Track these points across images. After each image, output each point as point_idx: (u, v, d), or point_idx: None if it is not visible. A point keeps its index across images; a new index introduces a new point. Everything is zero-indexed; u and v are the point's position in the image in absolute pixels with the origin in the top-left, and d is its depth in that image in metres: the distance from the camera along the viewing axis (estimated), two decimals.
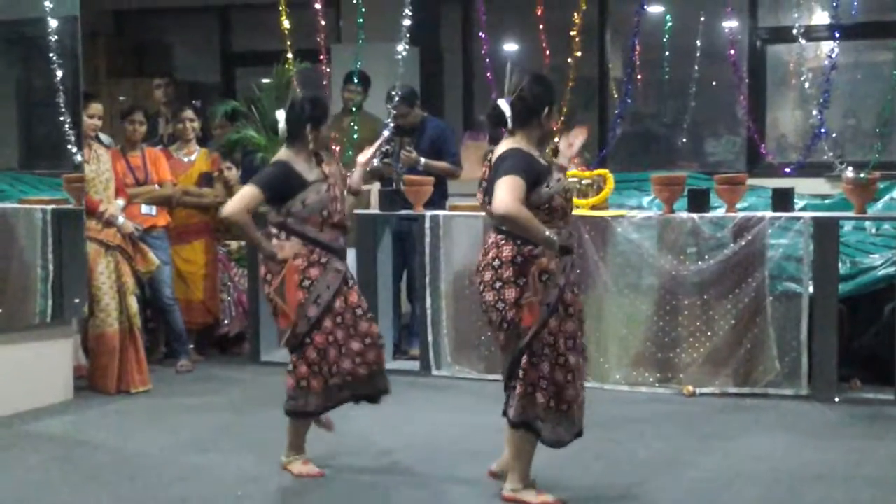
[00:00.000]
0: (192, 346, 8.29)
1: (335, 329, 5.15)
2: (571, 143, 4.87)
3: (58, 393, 6.88)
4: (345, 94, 8.45)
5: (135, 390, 7.12)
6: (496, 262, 4.60)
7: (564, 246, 4.58)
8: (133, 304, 7.21)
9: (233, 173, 8.49)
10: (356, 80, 8.35)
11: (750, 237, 6.82)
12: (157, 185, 7.84)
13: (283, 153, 5.25)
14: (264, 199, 5.17)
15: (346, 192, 5.36)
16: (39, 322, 6.90)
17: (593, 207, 7.28)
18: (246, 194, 5.14)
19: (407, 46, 8.02)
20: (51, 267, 6.91)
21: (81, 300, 7.00)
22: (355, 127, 8.15)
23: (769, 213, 6.95)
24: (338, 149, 7.82)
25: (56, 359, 6.92)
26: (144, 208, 7.72)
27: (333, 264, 5.18)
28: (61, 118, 6.88)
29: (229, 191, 8.47)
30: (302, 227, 5.15)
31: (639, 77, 8.85)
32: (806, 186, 7.90)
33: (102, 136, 7.88)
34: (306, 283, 5.12)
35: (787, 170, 8.19)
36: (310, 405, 5.20)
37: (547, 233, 4.48)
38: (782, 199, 7.01)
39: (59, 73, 6.87)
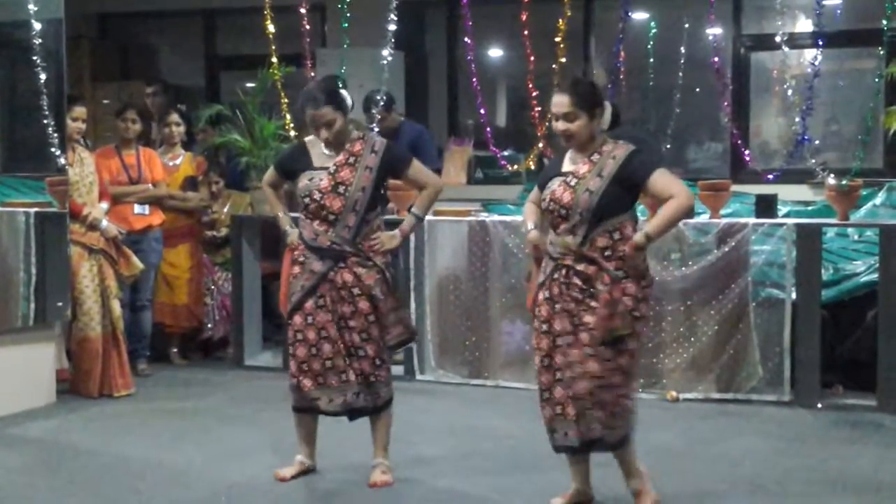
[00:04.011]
0: (175, 349, 8.29)
1: (306, 329, 5.09)
2: None
3: (40, 396, 6.85)
4: None
5: (118, 394, 7.10)
6: None
7: (534, 243, 4.71)
8: (116, 307, 7.19)
9: (220, 186, 8.49)
10: (341, 86, 8.34)
11: (733, 243, 6.84)
12: (150, 185, 7.83)
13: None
14: (277, 173, 5.35)
15: (355, 189, 5.04)
16: (22, 325, 6.87)
17: None
18: (270, 168, 5.48)
19: (392, 51, 8.03)
20: (33, 270, 6.87)
21: (64, 304, 6.97)
22: None
23: (752, 220, 6.98)
24: None
25: (39, 362, 6.89)
26: (137, 208, 7.72)
27: (310, 265, 5.08)
28: (45, 121, 6.86)
29: (214, 196, 8.48)
30: (300, 218, 5.16)
31: (623, 83, 8.89)
32: (789, 193, 7.94)
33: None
34: (291, 278, 5.15)
35: (771, 176, 8.22)
36: (292, 400, 5.22)
37: (527, 224, 4.80)
38: (765, 206, 7.05)
39: (43, 76, 6.85)
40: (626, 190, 4.53)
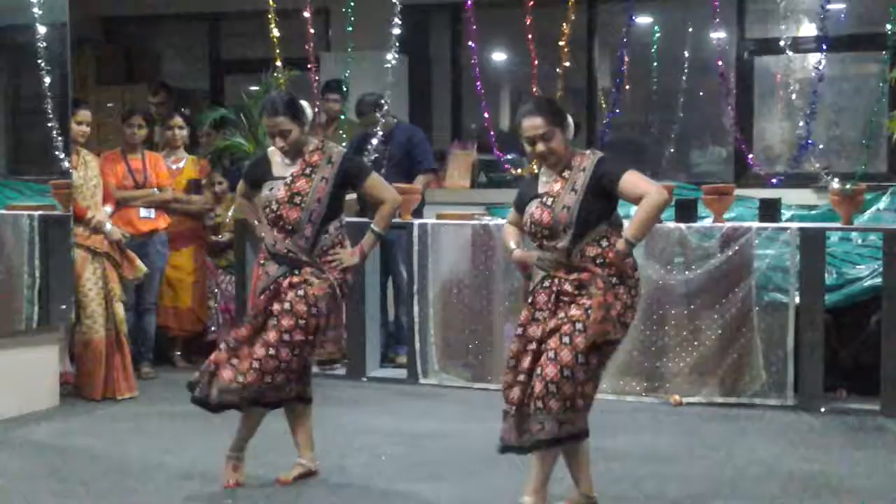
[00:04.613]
0: (178, 352, 8.30)
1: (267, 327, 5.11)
2: None
3: (44, 399, 6.86)
4: (326, 104, 8.44)
5: (121, 397, 7.11)
6: None
7: (520, 262, 4.73)
8: (120, 310, 7.20)
9: (223, 187, 8.50)
10: (345, 89, 8.36)
11: (737, 247, 6.84)
12: (156, 189, 7.84)
13: None
14: (246, 185, 5.43)
15: (310, 198, 5.05)
16: (26, 328, 6.88)
17: None
18: (240, 181, 5.54)
19: (396, 55, 8.04)
20: (37, 273, 6.89)
21: (68, 306, 6.98)
22: (343, 136, 8.15)
23: (756, 224, 6.98)
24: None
25: (42, 365, 6.90)
26: (143, 211, 7.76)
27: (268, 267, 5.14)
28: (49, 125, 6.87)
29: (217, 198, 8.49)
30: (264, 226, 5.21)
31: (627, 87, 8.88)
32: (793, 197, 7.93)
33: None
34: (259, 280, 5.19)
35: (774, 181, 8.22)
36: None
37: (509, 244, 4.83)
38: (769, 210, 7.05)
39: (48, 80, 6.88)
40: (601, 198, 4.52)
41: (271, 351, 5.00)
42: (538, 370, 4.46)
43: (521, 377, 4.51)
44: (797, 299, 6.76)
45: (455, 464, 5.60)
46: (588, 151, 4.63)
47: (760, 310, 6.84)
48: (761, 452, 5.80)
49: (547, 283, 4.56)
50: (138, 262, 7.35)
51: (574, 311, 4.45)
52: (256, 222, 5.41)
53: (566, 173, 4.55)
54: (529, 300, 4.62)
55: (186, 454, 5.84)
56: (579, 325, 4.42)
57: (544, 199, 4.57)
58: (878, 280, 6.82)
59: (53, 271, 6.94)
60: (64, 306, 6.97)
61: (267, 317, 5.08)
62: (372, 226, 5.29)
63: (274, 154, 5.21)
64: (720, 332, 6.86)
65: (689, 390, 6.90)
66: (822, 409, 6.65)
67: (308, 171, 5.10)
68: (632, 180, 4.47)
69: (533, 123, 4.53)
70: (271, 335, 5.02)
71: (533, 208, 4.60)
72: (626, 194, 4.49)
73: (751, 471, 5.46)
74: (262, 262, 5.19)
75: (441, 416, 6.69)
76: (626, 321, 4.51)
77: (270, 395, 5.11)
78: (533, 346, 4.52)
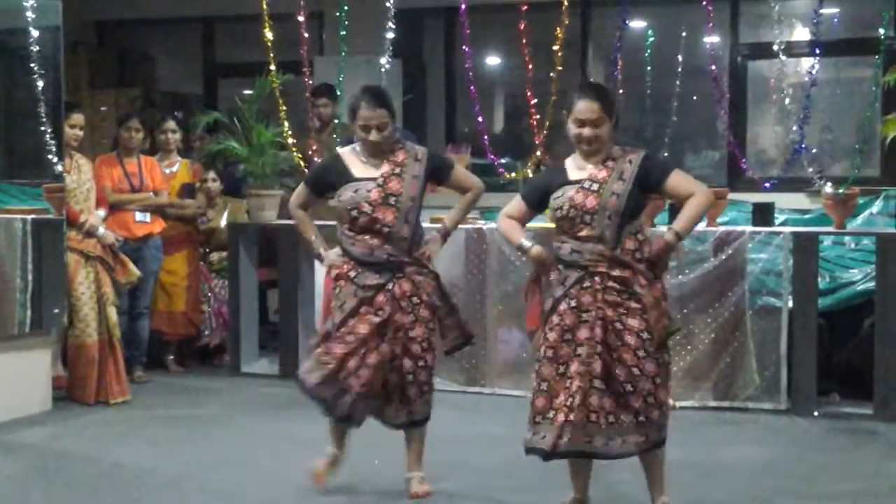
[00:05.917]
0: (172, 357, 8.28)
1: (356, 338, 4.95)
2: None
3: (36, 403, 6.84)
4: (317, 110, 8.41)
5: (114, 401, 7.09)
6: None
7: (541, 259, 4.64)
8: (112, 314, 7.18)
9: (217, 185, 8.49)
10: (338, 93, 8.35)
11: (730, 251, 6.85)
12: (152, 193, 7.84)
13: (349, 146, 5.19)
14: (309, 191, 5.20)
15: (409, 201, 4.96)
16: (18, 332, 6.86)
17: None
18: (297, 189, 5.31)
19: (390, 59, 8.04)
20: (30, 277, 6.87)
21: (61, 310, 6.97)
22: (338, 140, 8.14)
23: (749, 228, 6.99)
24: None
25: (35, 369, 6.89)
26: (139, 215, 7.74)
27: (363, 280, 4.95)
28: (42, 128, 6.87)
29: (211, 202, 8.48)
30: (342, 234, 5.05)
31: (620, 91, 8.88)
32: (786, 201, 7.95)
33: None
34: (336, 290, 5.07)
35: (768, 185, 8.23)
36: (332, 409, 5.09)
37: (521, 241, 4.70)
38: (762, 214, 7.06)
39: (41, 84, 6.87)
40: (643, 192, 4.58)
41: (420, 363, 5.02)
42: (627, 386, 4.45)
43: (570, 382, 4.47)
44: (790, 303, 6.77)
45: (448, 467, 5.59)
46: (629, 147, 4.66)
47: (754, 314, 6.84)
48: (754, 456, 5.81)
49: (588, 283, 4.51)
50: (131, 265, 7.33)
51: (632, 322, 4.46)
52: (313, 237, 5.19)
53: (609, 163, 4.56)
54: (572, 304, 4.51)
55: (179, 458, 5.83)
56: (645, 335, 4.46)
57: (586, 185, 4.53)
58: (871, 284, 6.83)
59: (46, 275, 6.93)
60: (57, 310, 6.96)
61: (390, 329, 4.96)
62: (457, 206, 5.29)
63: (347, 155, 5.09)
64: (713, 336, 6.87)
65: (682, 394, 6.90)
66: (816, 413, 6.66)
67: (398, 170, 5.00)
68: (679, 179, 4.59)
69: (591, 107, 4.54)
70: (414, 348, 5.00)
71: (571, 192, 4.54)
72: (673, 192, 4.60)
73: (744, 475, 5.47)
74: (351, 275, 4.98)
75: (434, 420, 6.65)
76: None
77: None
78: (584, 349, 4.47)
